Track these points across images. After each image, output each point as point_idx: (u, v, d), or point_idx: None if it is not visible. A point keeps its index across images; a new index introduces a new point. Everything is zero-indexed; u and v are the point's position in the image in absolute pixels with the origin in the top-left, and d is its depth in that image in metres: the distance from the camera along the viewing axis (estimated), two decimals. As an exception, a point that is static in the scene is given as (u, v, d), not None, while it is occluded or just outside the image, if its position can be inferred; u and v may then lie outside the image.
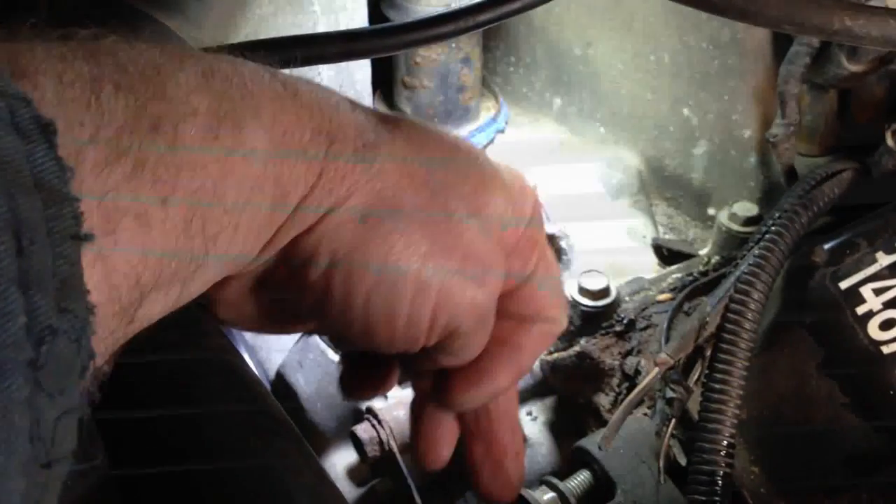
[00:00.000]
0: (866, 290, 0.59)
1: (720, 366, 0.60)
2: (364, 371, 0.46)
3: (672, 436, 0.61)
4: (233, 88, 0.33)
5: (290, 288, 0.38)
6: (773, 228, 0.64)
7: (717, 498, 0.57)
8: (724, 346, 0.60)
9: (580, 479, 0.65)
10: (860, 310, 0.59)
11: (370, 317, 0.37)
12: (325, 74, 0.90)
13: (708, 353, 0.61)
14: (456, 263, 0.38)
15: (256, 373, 0.67)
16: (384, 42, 0.50)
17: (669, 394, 0.62)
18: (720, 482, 0.58)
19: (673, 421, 0.61)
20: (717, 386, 0.59)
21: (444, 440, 0.47)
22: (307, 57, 0.51)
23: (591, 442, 0.65)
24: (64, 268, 0.24)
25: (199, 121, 0.31)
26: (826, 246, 0.62)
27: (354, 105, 0.38)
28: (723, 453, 0.58)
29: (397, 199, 0.37)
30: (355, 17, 0.87)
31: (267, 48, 0.50)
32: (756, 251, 0.63)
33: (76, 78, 0.28)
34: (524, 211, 0.42)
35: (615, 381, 0.73)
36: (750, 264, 0.62)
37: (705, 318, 0.61)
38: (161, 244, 0.29)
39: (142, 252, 0.29)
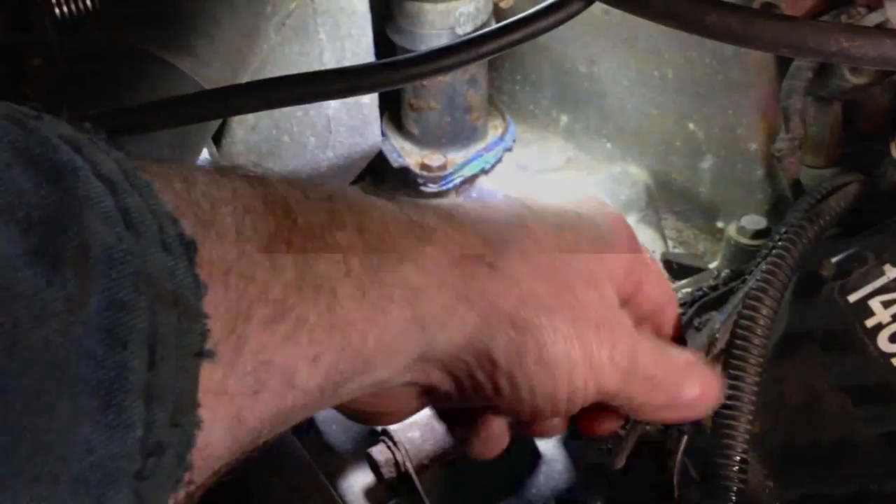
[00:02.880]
0: (875, 303, 0.59)
1: (731, 381, 0.60)
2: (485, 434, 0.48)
3: (685, 451, 0.62)
4: (382, 244, 0.34)
5: (451, 388, 0.40)
6: (779, 243, 0.64)
7: (731, 513, 0.57)
8: (735, 361, 0.60)
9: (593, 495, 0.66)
10: (869, 323, 0.59)
11: (535, 400, 0.41)
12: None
13: (718, 368, 0.62)
14: (592, 335, 0.42)
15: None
16: (388, 76, 0.51)
17: (681, 410, 0.62)
18: (734, 497, 0.58)
19: (685, 437, 0.62)
20: (729, 401, 0.59)
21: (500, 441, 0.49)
22: (312, 94, 0.52)
23: (605, 459, 0.66)
24: (184, 383, 0.25)
25: (352, 281, 0.32)
26: (833, 259, 0.62)
27: (480, 216, 0.41)
28: (736, 468, 0.58)
29: (534, 296, 0.40)
30: (361, 43, 0.88)
31: (273, 87, 0.51)
32: (763, 266, 0.63)
33: (254, 234, 0.29)
34: (622, 247, 0.46)
35: (628, 397, 0.74)
36: (757, 280, 0.62)
37: (714, 334, 0.61)
38: (300, 403, 0.31)
39: (277, 413, 0.30)
